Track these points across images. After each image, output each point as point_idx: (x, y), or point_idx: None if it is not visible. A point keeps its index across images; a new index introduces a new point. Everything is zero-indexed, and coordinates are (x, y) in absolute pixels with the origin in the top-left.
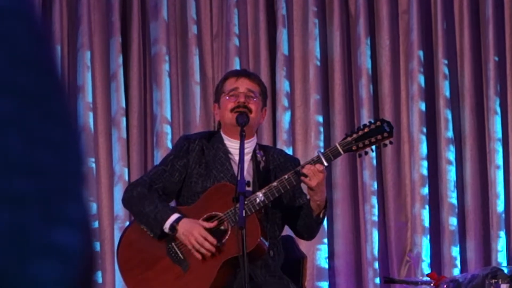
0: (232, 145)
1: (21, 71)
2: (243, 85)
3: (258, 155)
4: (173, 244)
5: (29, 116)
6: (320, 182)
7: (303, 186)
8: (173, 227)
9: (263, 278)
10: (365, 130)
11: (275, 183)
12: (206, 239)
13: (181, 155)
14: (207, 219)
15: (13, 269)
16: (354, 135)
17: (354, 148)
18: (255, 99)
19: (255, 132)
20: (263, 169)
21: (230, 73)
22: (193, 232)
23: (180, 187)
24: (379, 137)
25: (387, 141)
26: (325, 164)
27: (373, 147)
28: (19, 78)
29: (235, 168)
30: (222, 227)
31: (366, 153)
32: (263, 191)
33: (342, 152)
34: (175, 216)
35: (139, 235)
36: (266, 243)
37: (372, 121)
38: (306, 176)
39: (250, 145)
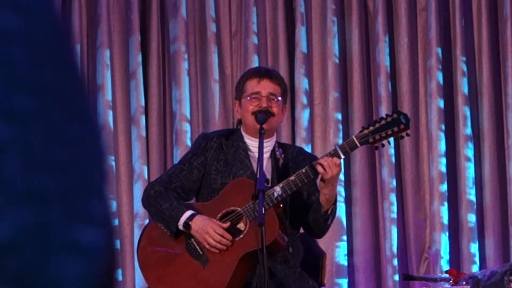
0: (252, 143)
1: (42, 68)
2: (265, 88)
3: (277, 153)
4: (192, 240)
5: (51, 112)
6: (334, 176)
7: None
8: (187, 224)
9: (283, 274)
10: (382, 123)
11: (292, 177)
12: (222, 236)
13: (199, 152)
14: (225, 215)
15: (36, 265)
16: (371, 128)
17: (371, 140)
18: (276, 101)
19: (275, 131)
20: (282, 166)
21: (251, 73)
22: (207, 230)
23: (199, 185)
24: (395, 129)
25: (404, 133)
26: (342, 156)
27: (390, 139)
28: (40, 75)
29: (255, 165)
30: (240, 222)
31: (383, 145)
32: (281, 185)
33: (358, 144)
34: (188, 213)
35: (158, 232)
36: (285, 238)
37: (389, 114)
38: (322, 167)
39: (269, 144)
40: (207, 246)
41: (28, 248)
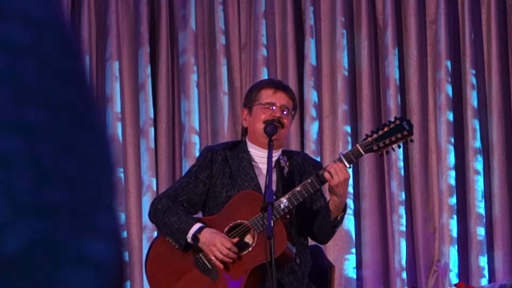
0: (257, 153)
1: (52, 81)
2: (280, 100)
3: (282, 161)
4: (200, 254)
5: (61, 126)
6: (341, 182)
7: (324, 188)
8: (195, 237)
9: (291, 286)
10: (385, 130)
11: (298, 188)
12: (230, 250)
13: (204, 166)
14: (233, 228)
15: (45, 279)
16: (374, 135)
17: (375, 148)
18: (287, 115)
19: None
20: (287, 174)
21: (267, 83)
22: (215, 242)
23: (205, 198)
24: (399, 135)
25: (407, 139)
26: (347, 165)
27: (395, 146)
28: (50, 88)
29: (260, 176)
30: (248, 235)
31: (387, 152)
32: (287, 196)
33: (363, 152)
34: (197, 225)
35: (166, 247)
36: (293, 249)
37: (392, 120)
38: (329, 173)
39: (276, 155)
40: (213, 259)
41: (37, 261)
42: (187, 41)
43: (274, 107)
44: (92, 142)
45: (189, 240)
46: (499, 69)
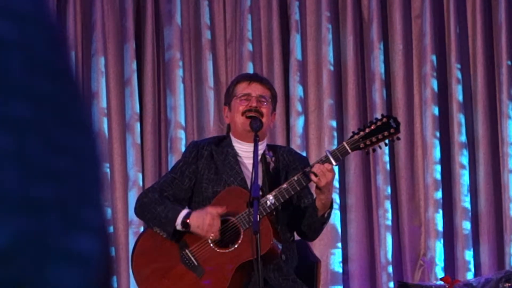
0: (242, 147)
1: (39, 76)
2: (256, 90)
3: (268, 156)
4: (186, 251)
5: (48, 122)
6: (328, 182)
7: (311, 185)
8: (184, 222)
9: (277, 282)
10: (372, 128)
11: (284, 185)
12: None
13: (190, 161)
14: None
15: (33, 275)
16: (361, 133)
17: (361, 146)
18: (266, 104)
19: (266, 135)
20: (273, 170)
21: (241, 76)
22: (206, 219)
23: (191, 193)
24: (386, 133)
25: (394, 137)
26: (334, 163)
27: (382, 143)
28: (37, 83)
29: (245, 171)
30: (235, 232)
31: (374, 150)
32: (273, 193)
33: (350, 150)
34: (184, 211)
35: (152, 243)
36: (279, 246)
37: (379, 118)
38: (315, 175)
39: (261, 148)
40: (204, 235)
41: (24, 256)
42: (173, 36)
43: (250, 98)
44: (79, 138)
45: (178, 227)
46: (484, 63)
